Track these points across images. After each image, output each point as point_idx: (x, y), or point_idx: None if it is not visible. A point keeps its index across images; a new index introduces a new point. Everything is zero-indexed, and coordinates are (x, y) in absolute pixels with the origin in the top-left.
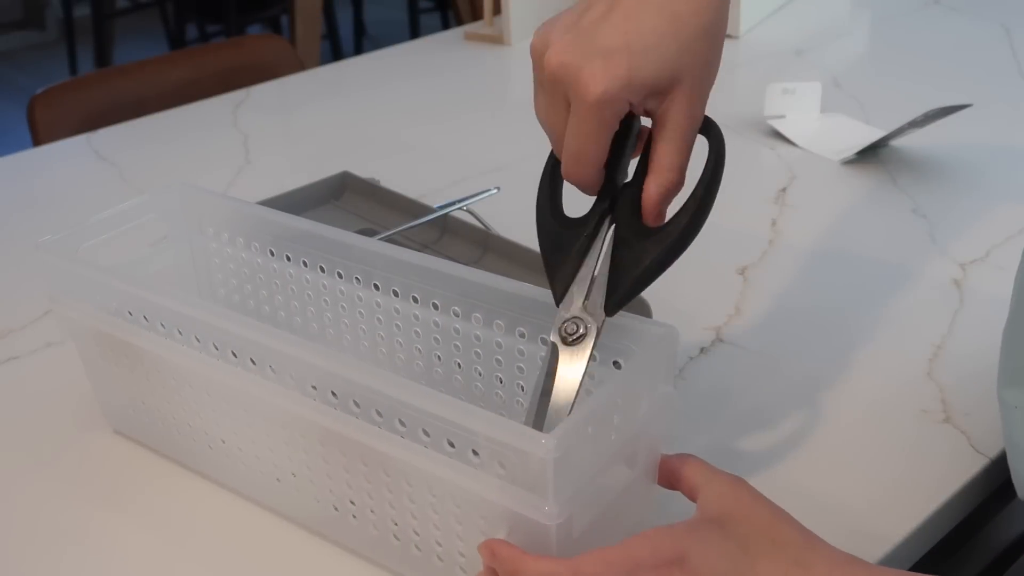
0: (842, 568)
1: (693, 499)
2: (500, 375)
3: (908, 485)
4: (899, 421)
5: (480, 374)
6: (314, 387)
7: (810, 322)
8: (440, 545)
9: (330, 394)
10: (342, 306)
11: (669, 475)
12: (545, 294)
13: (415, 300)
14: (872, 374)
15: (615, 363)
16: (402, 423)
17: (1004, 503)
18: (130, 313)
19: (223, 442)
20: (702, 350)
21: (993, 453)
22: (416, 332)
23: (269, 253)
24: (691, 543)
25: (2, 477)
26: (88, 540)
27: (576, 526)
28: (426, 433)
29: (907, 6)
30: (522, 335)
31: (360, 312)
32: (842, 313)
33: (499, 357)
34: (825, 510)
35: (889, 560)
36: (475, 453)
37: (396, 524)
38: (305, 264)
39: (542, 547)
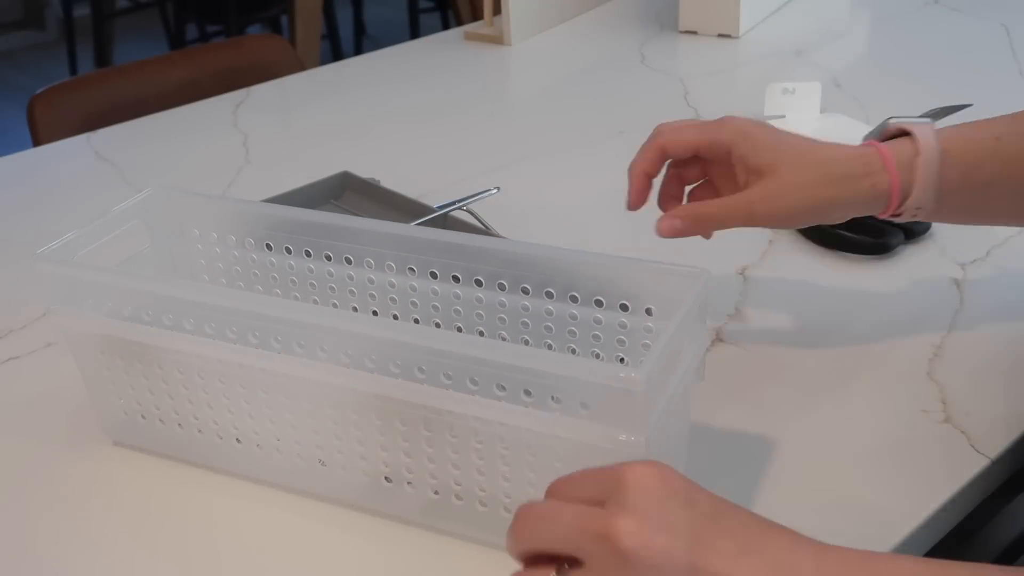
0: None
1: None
2: (527, 337)
3: (908, 485)
4: (899, 421)
5: (506, 340)
6: (371, 360)
7: (810, 322)
8: (508, 497)
9: (390, 365)
10: (351, 291)
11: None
12: (567, 254)
13: (433, 276)
14: (872, 374)
15: (647, 310)
16: (474, 382)
17: (1004, 503)
18: (148, 315)
19: (256, 433)
20: None
21: (993, 453)
22: (434, 307)
23: (266, 247)
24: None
25: (2, 477)
26: (103, 549)
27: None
28: (501, 387)
29: (907, 6)
30: (549, 295)
31: (371, 295)
32: (842, 313)
33: (525, 320)
34: (825, 510)
35: None
36: (554, 400)
37: (459, 484)
38: (308, 254)
39: None
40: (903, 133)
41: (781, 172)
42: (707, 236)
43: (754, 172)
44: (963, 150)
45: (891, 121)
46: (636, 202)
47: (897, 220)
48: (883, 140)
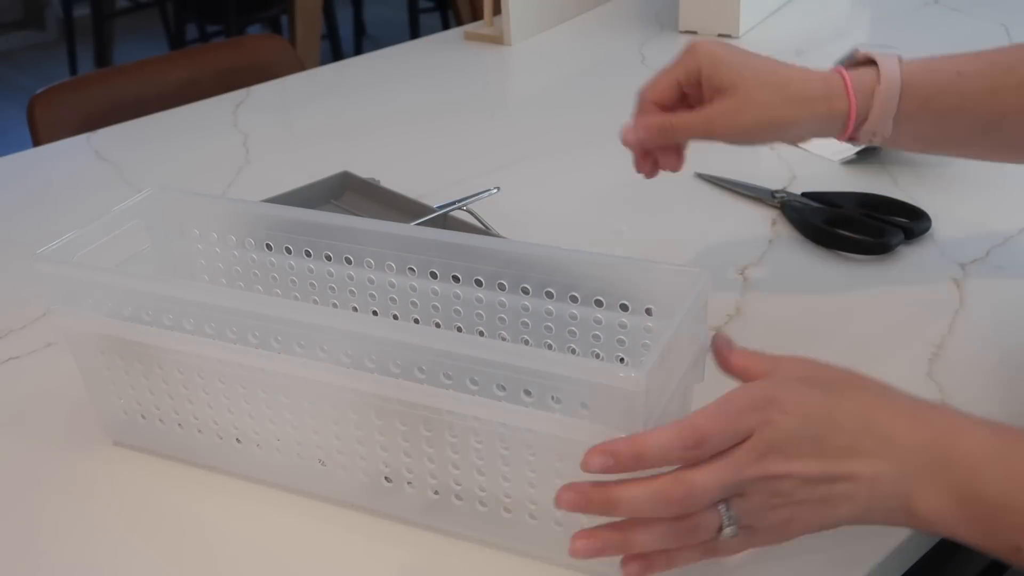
0: (921, 404)
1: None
2: (527, 337)
3: None
4: None
5: (506, 340)
6: (371, 360)
7: (810, 322)
8: (508, 497)
9: (390, 365)
10: (351, 291)
11: (733, 366)
12: (567, 254)
13: (433, 276)
14: (872, 374)
15: (647, 310)
16: (474, 382)
17: None
18: (148, 315)
19: (256, 433)
20: None
21: None
22: (434, 307)
23: (266, 247)
24: (780, 389)
25: (2, 477)
26: (103, 548)
27: None
28: (501, 388)
29: (907, 6)
30: (549, 295)
31: (371, 295)
32: (842, 313)
33: (525, 320)
34: None
35: (890, 561)
36: (554, 400)
37: (459, 484)
38: (308, 254)
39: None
40: (870, 61)
41: (742, 90)
42: (676, 166)
43: (718, 90)
44: (924, 81)
45: (860, 50)
46: (645, 165)
47: (854, 144)
48: (850, 67)
